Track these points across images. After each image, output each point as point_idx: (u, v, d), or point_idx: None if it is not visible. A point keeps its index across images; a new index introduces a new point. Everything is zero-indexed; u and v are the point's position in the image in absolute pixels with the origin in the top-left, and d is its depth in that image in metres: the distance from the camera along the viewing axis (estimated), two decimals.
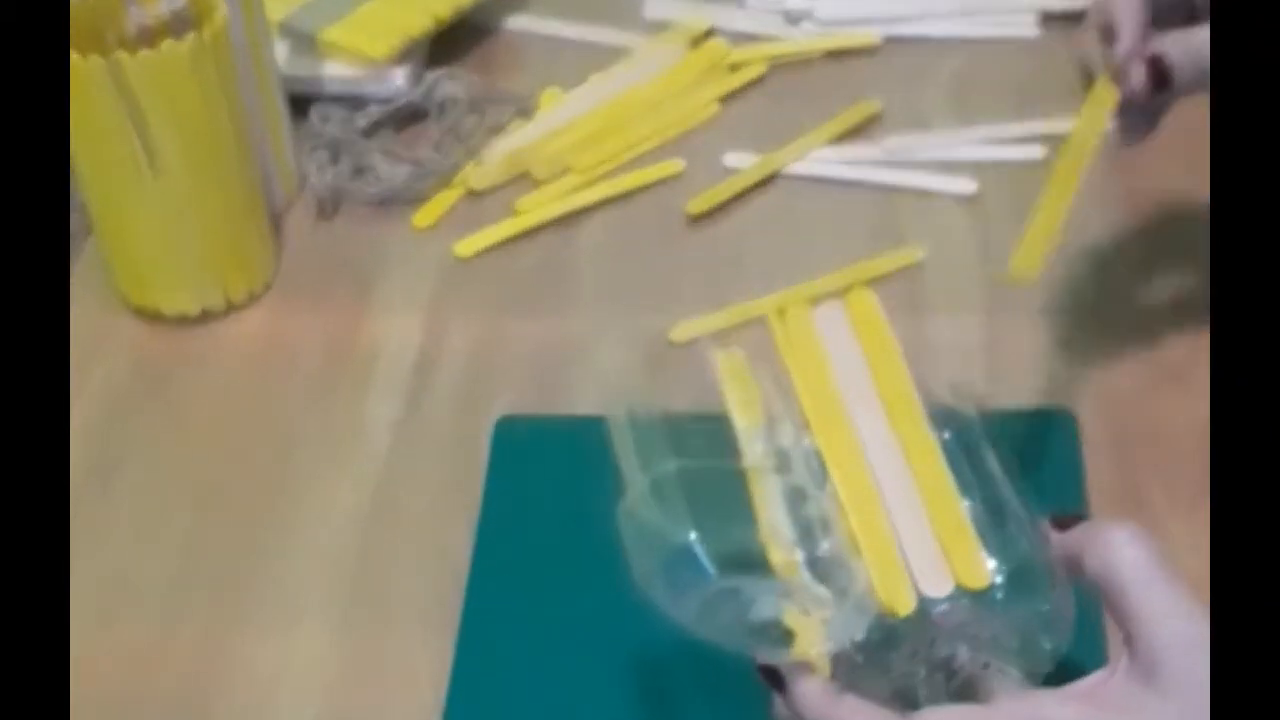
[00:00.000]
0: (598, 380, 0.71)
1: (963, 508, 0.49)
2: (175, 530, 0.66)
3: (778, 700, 0.48)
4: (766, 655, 0.47)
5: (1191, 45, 0.60)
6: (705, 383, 0.69)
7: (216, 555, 0.65)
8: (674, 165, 0.83)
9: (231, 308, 0.75)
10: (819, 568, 0.47)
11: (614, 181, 0.82)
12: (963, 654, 0.48)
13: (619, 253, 0.79)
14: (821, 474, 0.50)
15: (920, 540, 0.48)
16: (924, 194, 0.79)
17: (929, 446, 0.50)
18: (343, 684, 0.60)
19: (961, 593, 0.47)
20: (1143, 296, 0.73)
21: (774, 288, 0.72)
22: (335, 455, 0.69)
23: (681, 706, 0.58)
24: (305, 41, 0.87)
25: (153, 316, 0.75)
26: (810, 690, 0.47)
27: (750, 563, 0.48)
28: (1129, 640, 0.45)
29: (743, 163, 0.82)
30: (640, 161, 0.83)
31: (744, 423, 0.51)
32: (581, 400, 0.70)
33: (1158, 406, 0.68)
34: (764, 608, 0.47)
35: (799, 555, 0.48)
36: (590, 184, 0.82)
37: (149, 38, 0.71)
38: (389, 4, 0.88)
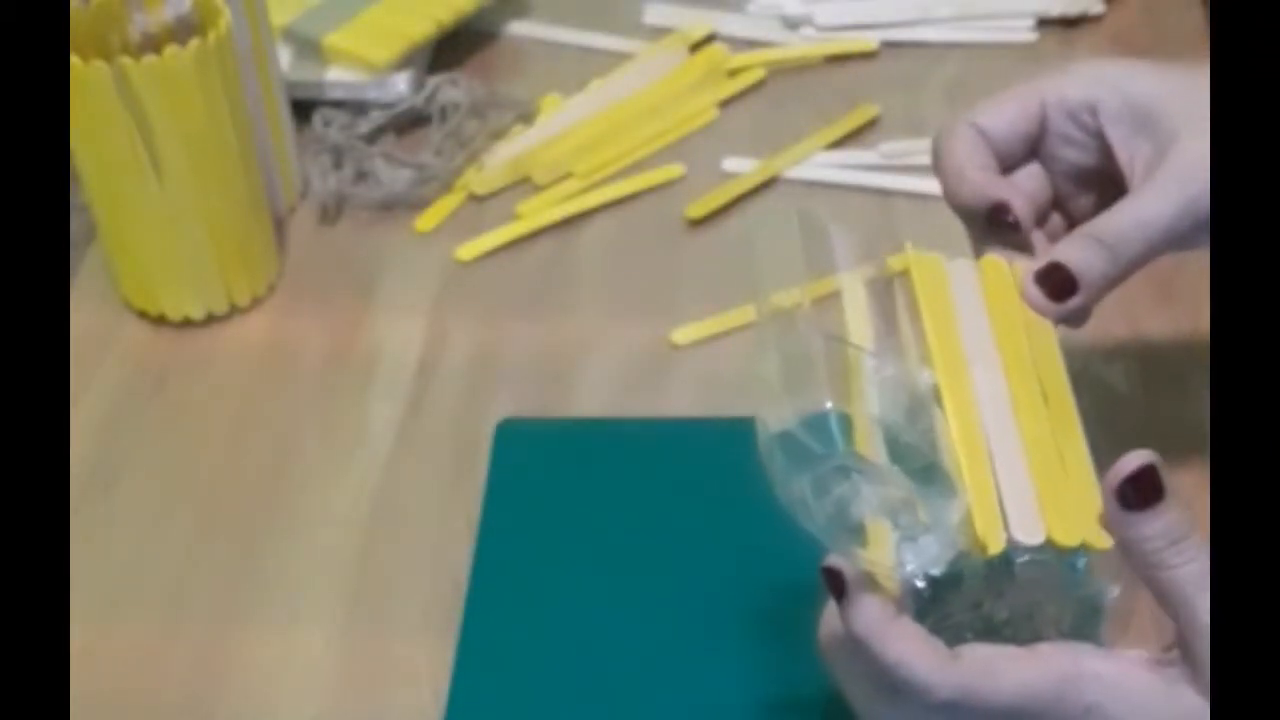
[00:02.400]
0: (598, 383, 0.72)
1: (1091, 472, 0.48)
2: (177, 532, 0.66)
3: (828, 612, 0.48)
4: (844, 554, 0.47)
5: (1105, 234, 0.54)
6: (706, 385, 0.71)
7: (218, 557, 0.65)
8: (674, 170, 0.83)
9: (235, 311, 0.76)
10: (923, 492, 0.47)
11: (614, 186, 0.82)
12: (1019, 620, 0.48)
13: (620, 256, 0.79)
14: (927, 408, 0.49)
15: (1020, 489, 0.48)
16: (922, 198, 0.79)
17: (1069, 413, 0.50)
18: (343, 686, 0.60)
19: (1049, 548, 0.47)
20: (1141, 293, 0.73)
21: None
22: (337, 458, 0.69)
23: (682, 708, 0.58)
24: (308, 47, 0.87)
25: (156, 320, 0.75)
26: (868, 606, 0.46)
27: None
28: (1184, 644, 0.45)
29: (742, 167, 0.82)
30: (640, 166, 0.83)
31: (860, 343, 0.51)
32: (582, 403, 0.71)
33: (1157, 405, 0.68)
34: (866, 505, 0.47)
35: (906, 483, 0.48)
36: (591, 188, 0.82)
37: (153, 44, 0.71)
38: (391, 10, 0.88)
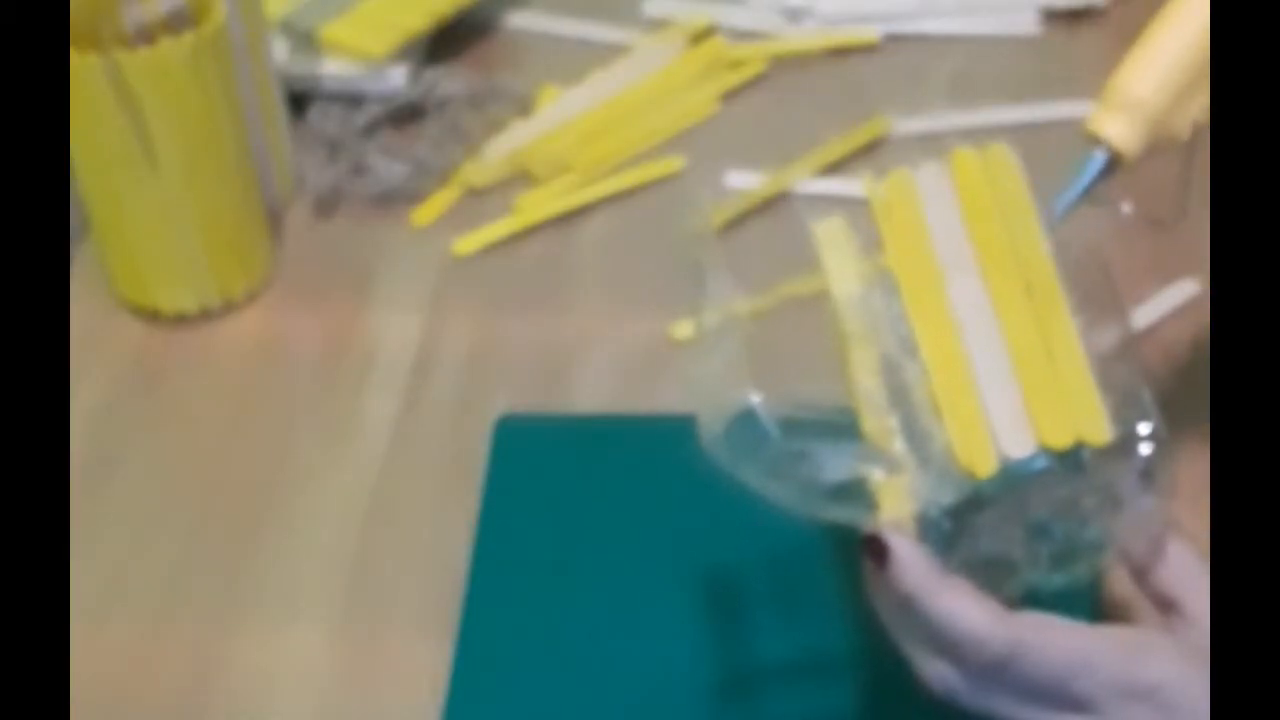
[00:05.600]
0: (598, 379, 0.71)
1: (1083, 359, 0.48)
2: (172, 530, 0.66)
3: (870, 577, 0.48)
4: (847, 517, 0.47)
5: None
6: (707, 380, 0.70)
7: (213, 554, 0.65)
8: (674, 163, 0.82)
9: (230, 306, 0.75)
10: (909, 433, 0.47)
11: (614, 179, 0.82)
12: (1057, 519, 0.47)
13: (619, 250, 0.78)
14: (912, 340, 0.49)
15: (1006, 399, 0.47)
16: None
17: (1055, 300, 0.49)
18: (340, 684, 0.60)
19: (1047, 453, 0.47)
20: (1147, 289, 0.73)
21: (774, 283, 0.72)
22: (334, 454, 0.68)
23: (681, 707, 0.57)
24: (304, 39, 0.86)
25: (150, 315, 0.75)
26: (914, 564, 0.46)
27: (826, 425, 0.48)
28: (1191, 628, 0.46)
29: (746, 176, 0.81)
30: (640, 159, 0.83)
31: (840, 291, 0.51)
32: (582, 399, 0.70)
33: (1163, 402, 0.67)
34: (836, 470, 0.47)
35: (893, 421, 0.48)
36: (590, 182, 0.81)
37: (147, 35, 0.71)
38: (388, 2, 0.88)
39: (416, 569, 0.63)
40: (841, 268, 0.51)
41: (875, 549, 0.46)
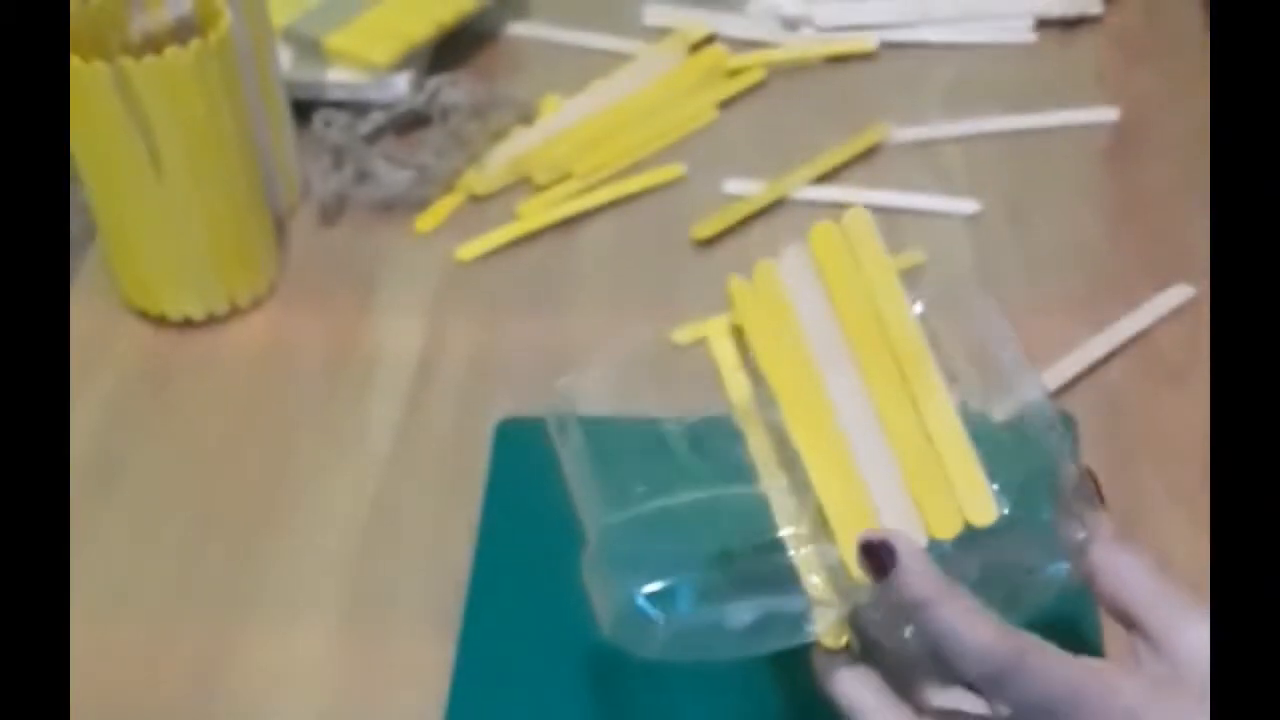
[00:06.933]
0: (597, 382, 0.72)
1: (962, 436, 0.48)
2: (177, 532, 0.66)
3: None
4: (774, 646, 0.48)
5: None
6: (708, 386, 0.70)
7: (218, 557, 0.65)
8: (674, 170, 0.83)
9: (235, 312, 0.76)
10: (820, 553, 0.48)
11: (615, 186, 0.82)
12: (991, 575, 0.48)
13: (620, 256, 0.79)
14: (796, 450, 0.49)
15: (892, 501, 0.47)
16: (928, 215, 0.79)
17: (927, 375, 0.49)
18: (343, 687, 0.60)
19: (939, 544, 0.47)
20: (1141, 294, 0.73)
21: None
22: (337, 458, 0.69)
23: (682, 708, 0.58)
24: (309, 48, 0.87)
25: (157, 320, 0.75)
26: (926, 570, 0.45)
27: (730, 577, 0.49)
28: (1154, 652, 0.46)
29: (745, 182, 0.81)
30: (641, 166, 0.83)
31: (738, 398, 0.52)
32: (583, 403, 0.70)
33: (1158, 406, 0.68)
34: (739, 614, 0.48)
35: (809, 549, 0.48)
36: (591, 189, 0.82)
37: (153, 44, 0.71)
38: (392, 10, 0.88)
39: (419, 571, 0.64)
40: (734, 373, 0.52)
41: (880, 555, 0.45)
